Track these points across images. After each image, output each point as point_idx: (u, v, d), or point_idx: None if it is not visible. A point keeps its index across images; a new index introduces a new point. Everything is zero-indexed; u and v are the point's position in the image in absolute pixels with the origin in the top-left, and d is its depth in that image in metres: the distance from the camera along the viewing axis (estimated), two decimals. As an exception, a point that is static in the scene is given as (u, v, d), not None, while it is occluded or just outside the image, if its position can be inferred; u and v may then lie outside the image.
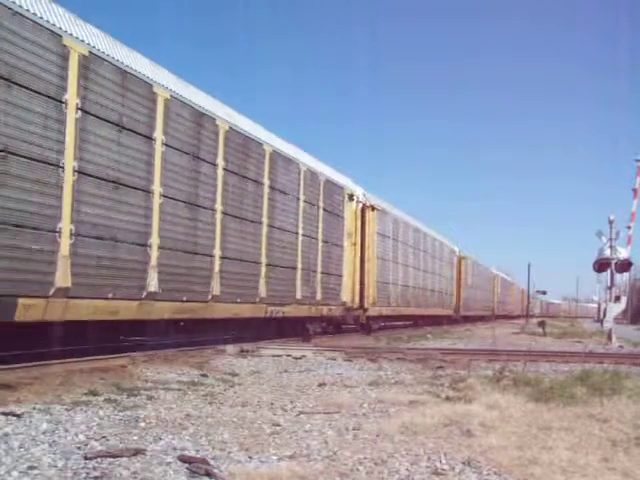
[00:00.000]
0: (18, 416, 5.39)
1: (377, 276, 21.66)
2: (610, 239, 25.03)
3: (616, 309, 26.63)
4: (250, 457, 4.46)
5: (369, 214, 20.96)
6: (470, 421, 5.70)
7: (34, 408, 5.77)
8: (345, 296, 18.57)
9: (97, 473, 3.92)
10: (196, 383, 7.95)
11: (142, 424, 5.38)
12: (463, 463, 4.44)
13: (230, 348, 11.95)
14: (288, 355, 11.71)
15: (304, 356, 11.73)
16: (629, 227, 26.84)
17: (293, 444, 4.90)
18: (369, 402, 6.91)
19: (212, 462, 4.26)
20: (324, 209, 16.97)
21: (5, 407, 5.72)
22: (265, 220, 13.81)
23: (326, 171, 17.79)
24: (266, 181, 13.84)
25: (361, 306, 20.00)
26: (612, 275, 25.38)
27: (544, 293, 71.65)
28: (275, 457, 4.49)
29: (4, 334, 7.50)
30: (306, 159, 16.32)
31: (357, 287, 19.78)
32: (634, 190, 26.49)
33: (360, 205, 20.22)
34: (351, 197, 19.38)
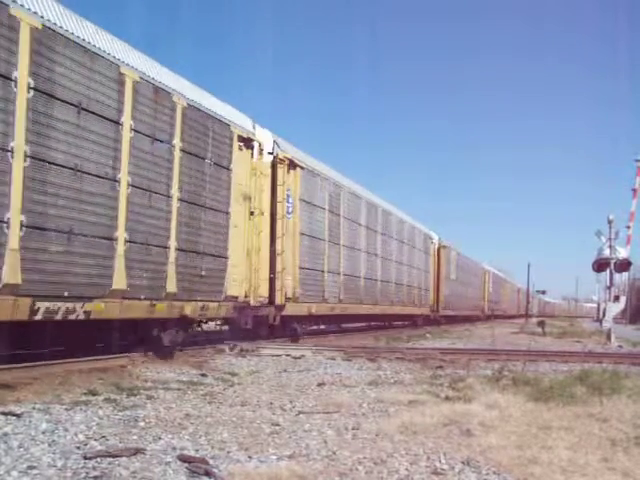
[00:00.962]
0: (18, 416, 5.39)
1: (301, 261, 15.53)
2: (609, 239, 25.05)
3: (615, 309, 26.67)
4: (249, 457, 4.46)
5: (287, 173, 14.66)
6: (469, 421, 5.70)
7: (34, 408, 5.77)
8: (234, 288, 12.06)
9: (97, 473, 3.92)
10: (195, 383, 7.95)
11: (141, 424, 5.38)
12: (462, 463, 4.44)
13: (230, 348, 11.95)
14: (287, 355, 11.72)
15: (303, 356, 11.73)
16: (628, 227, 26.87)
17: (292, 444, 4.90)
18: (368, 402, 6.91)
19: (211, 462, 4.26)
20: (183, 150, 10.52)
21: (5, 407, 5.72)
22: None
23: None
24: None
25: (271, 302, 14.04)
26: (611, 275, 25.42)
27: (543, 293, 71.70)
28: (274, 457, 4.49)
29: None
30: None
31: (262, 274, 13.51)
32: (633, 190, 26.50)
33: (270, 158, 14.05)
34: (248, 143, 12.63)
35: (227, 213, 11.86)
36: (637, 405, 6.66)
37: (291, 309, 14.91)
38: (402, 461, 4.47)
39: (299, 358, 11.46)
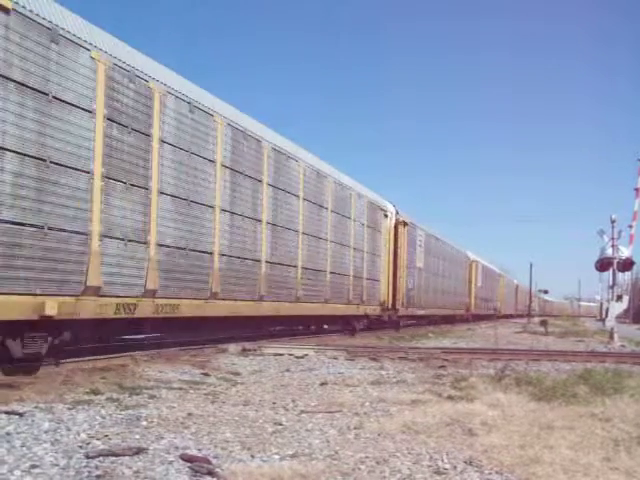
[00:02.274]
0: (20, 415, 5.40)
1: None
2: (612, 238, 25.05)
3: (618, 308, 26.65)
4: (252, 456, 4.46)
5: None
6: (472, 420, 5.70)
7: (36, 407, 5.78)
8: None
9: (99, 472, 3.92)
10: (198, 382, 7.95)
11: (144, 423, 5.38)
12: (465, 462, 4.44)
13: (232, 347, 11.96)
14: (290, 354, 11.72)
15: (306, 355, 11.74)
16: (631, 226, 26.86)
17: (295, 443, 4.91)
18: (371, 401, 6.90)
19: (214, 461, 4.26)
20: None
21: (7, 406, 5.73)
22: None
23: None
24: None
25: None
26: (614, 274, 25.40)
27: (546, 292, 71.65)
28: (277, 456, 4.49)
29: None
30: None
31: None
32: (636, 189, 26.49)
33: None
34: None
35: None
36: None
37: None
38: (404, 460, 4.47)
39: (302, 357, 11.46)
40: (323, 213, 16.44)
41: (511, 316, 57.36)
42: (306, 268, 15.20)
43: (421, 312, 26.39)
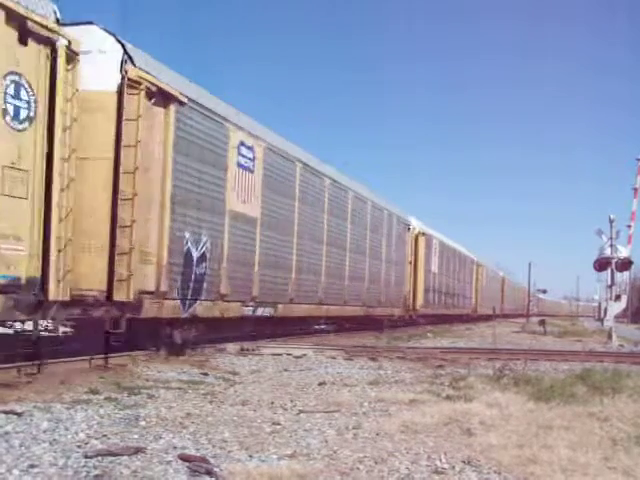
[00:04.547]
0: (19, 415, 5.39)
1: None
2: (611, 238, 25.06)
3: (617, 308, 26.67)
4: (250, 456, 4.46)
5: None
6: (470, 420, 5.71)
7: (35, 407, 5.77)
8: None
9: (97, 471, 3.92)
10: (196, 382, 7.95)
11: (142, 423, 5.38)
12: (463, 462, 4.45)
13: (231, 347, 11.96)
14: (288, 354, 11.71)
15: (304, 355, 11.73)
16: (629, 226, 26.88)
17: (293, 443, 4.91)
18: (369, 401, 6.91)
19: (212, 461, 4.26)
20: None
21: (6, 406, 5.72)
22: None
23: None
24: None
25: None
26: (613, 274, 25.40)
27: (544, 292, 71.64)
28: (275, 456, 4.49)
29: None
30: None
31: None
32: (634, 189, 26.50)
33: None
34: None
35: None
36: (638, 404, 6.66)
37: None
38: (403, 460, 4.47)
39: (300, 357, 11.45)
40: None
41: (493, 317, 44.63)
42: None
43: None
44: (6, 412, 5.43)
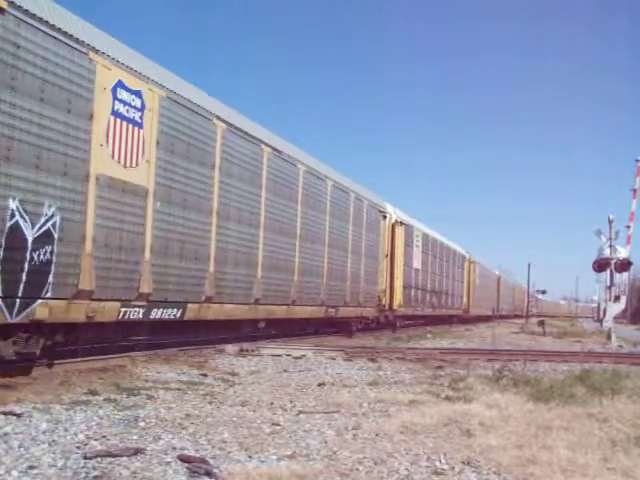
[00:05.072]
0: (18, 416, 5.39)
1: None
2: (610, 239, 25.08)
3: (616, 309, 26.69)
4: (250, 457, 4.46)
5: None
6: (470, 421, 5.71)
7: (34, 408, 5.77)
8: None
9: (97, 472, 3.92)
10: (196, 383, 7.95)
11: (142, 424, 5.38)
12: (463, 463, 4.45)
13: (230, 348, 11.96)
14: (288, 355, 11.71)
15: (304, 356, 11.73)
16: (629, 227, 26.89)
17: (293, 444, 4.91)
18: (369, 402, 6.91)
19: (212, 461, 4.26)
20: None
21: (5, 407, 5.72)
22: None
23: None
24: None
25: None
26: (612, 275, 25.42)
27: (544, 292, 71.65)
28: (275, 457, 4.49)
29: None
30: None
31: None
32: (634, 190, 26.52)
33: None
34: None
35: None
36: (637, 405, 6.67)
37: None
38: (402, 461, 4.47)
39: (300, 358, 11.45)
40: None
41: (490, 318, 43.49)
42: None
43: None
44: (5, 413, 5.43)
